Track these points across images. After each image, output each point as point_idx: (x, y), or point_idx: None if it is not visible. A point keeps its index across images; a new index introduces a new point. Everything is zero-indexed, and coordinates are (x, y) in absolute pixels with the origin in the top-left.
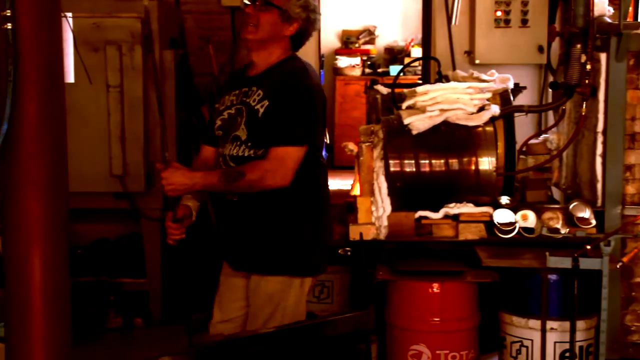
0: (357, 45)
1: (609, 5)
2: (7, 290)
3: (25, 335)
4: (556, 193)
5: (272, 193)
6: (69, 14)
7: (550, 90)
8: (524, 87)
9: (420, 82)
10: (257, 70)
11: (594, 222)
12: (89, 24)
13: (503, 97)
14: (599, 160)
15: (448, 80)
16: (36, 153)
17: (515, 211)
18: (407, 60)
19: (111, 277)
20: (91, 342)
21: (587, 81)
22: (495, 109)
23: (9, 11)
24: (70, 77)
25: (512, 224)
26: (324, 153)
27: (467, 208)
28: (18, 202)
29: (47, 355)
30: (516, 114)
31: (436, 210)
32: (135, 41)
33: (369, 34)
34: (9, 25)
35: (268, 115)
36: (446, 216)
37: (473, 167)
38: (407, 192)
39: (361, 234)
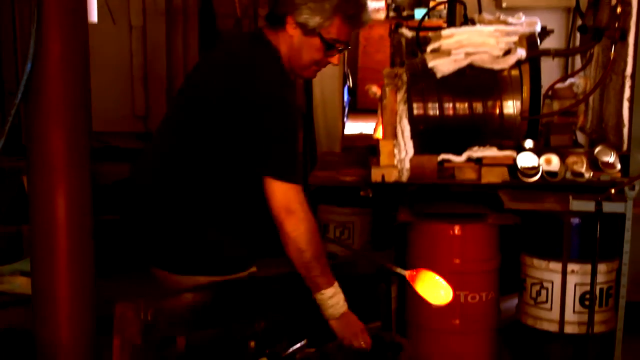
0: None
1: None
2: (32, 227)
3: (50, 270)
4: (581, 137)
5: None
6: None
7: (578, 34)
8: (552, 31)
9: (446, 25)
10: None
11: (618, 166)
12: None
13: (530, 41)
14: (626, 105)
15: (474, 24)
16: (59, 92)
17: (539, 155)
18: (432, 3)
19: None
20: (111, 279)
21: (617, 24)
22: (521, 53)
23: None
24: (93, 17)
25: (536, 167)
26: (346, 96)
27: (490, 151)
28: (42, 141)
29: (71, 289)
30: (543, 58)
31: (459, 153)
32: None
33: None
34: None
35: None
36: (469, 159)
37: (497, 111)
38: (430, 136)
39: (383, 176)
